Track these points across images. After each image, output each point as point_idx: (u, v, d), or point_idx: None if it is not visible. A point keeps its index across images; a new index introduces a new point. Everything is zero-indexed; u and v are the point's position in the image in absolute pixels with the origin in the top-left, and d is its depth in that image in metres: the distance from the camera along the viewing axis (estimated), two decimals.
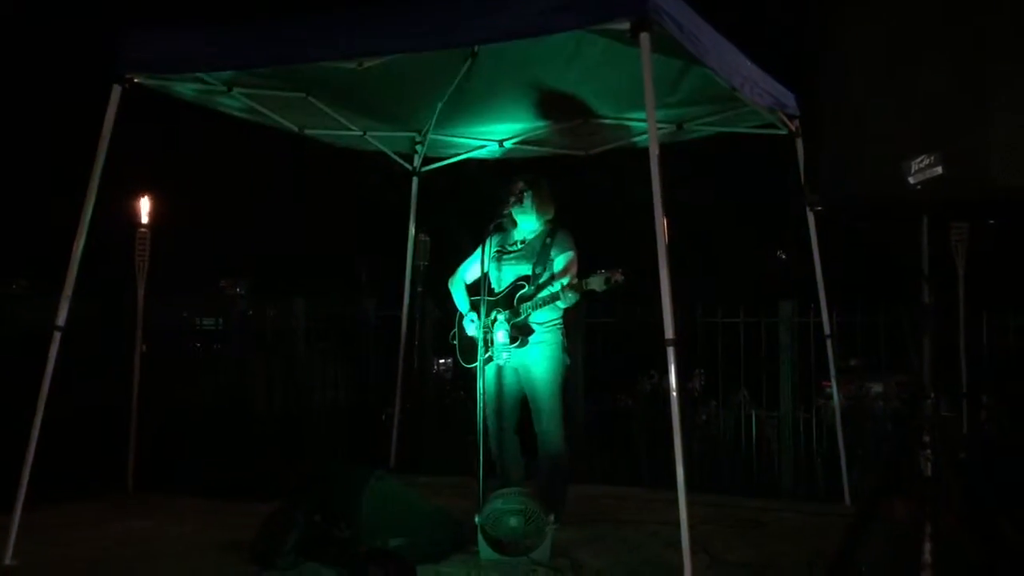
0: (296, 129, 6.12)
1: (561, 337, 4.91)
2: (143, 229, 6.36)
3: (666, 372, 3.68)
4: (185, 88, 5.09)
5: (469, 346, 4.99)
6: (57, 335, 4.44)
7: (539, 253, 4.90)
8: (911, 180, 2.43)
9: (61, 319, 4.45)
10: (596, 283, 4.54)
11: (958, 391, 5.96)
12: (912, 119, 2.48)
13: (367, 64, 4.51)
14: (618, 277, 4.50)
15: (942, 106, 2.46)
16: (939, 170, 2.41)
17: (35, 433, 4.35)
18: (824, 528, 4.96)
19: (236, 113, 5.62)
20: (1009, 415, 6.18)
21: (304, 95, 5.62)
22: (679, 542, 3.51)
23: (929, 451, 2.55)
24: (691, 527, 3.54)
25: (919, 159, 2.42)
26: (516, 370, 4.92)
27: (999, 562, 2.63)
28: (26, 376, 4.55)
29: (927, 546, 2.51)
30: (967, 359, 6.09)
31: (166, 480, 6.05)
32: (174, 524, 5.15)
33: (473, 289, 5.07)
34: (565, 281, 4.68)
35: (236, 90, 5.25)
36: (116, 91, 4.57)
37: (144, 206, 6.40)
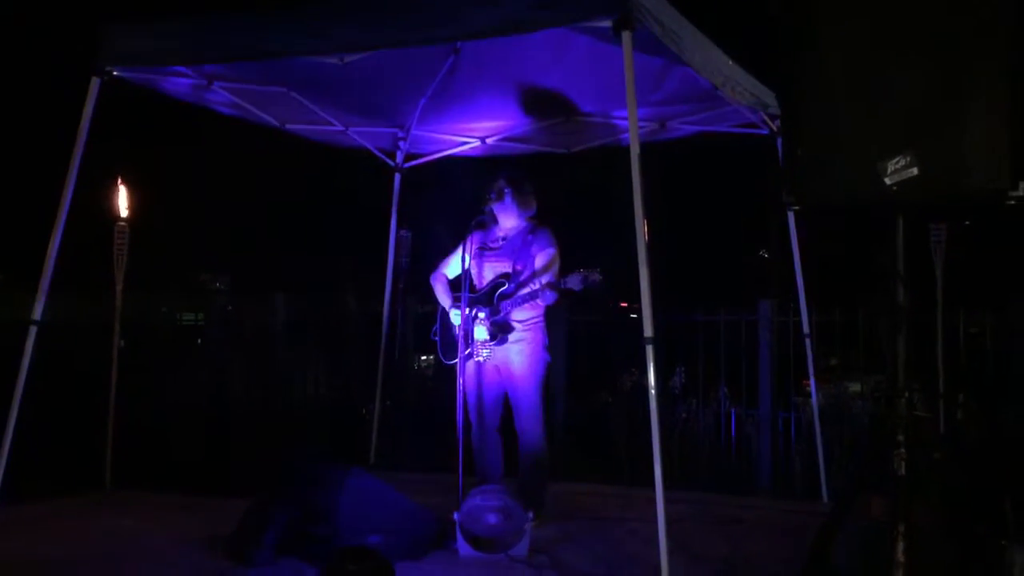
0: (278, 124, 6.09)
1: (541, 335, 4.92)
2: (122, 223, 6.30)
3: (646, 370, 3.69)
4: (165, 82, 5.06)
5: (450, 342, 5.00)
6: (33, 329, 4.40)
7: (520, 251, 4.91)
8: (887, 180, 2.45)
9: (38, 313, 4.42)
10: (573, 283, 4.57)
11: (935, 391, 6.01)
12: (888, 120, 2.50)
13: (349, 59, 4.49)
14: (595, 277, 4.52)
15: (918, 107, 2.48)
16: (915, 171, 2.43)
17: (10, 428, 4.31)
18: (802, 526, 4.98)
19: (217, 107, 5.59)
20: (985, 415, 6.23)
21: (286, 90, 5.60)
22: (657, 539, 3.52)
23: (903, 450, 2.57)
24: (670, 524, 3.55)
25: (895, 160, 2.44)
26: (497, 367, 4.92)
27: (971, 560, 2.66)
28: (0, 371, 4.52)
29: (900, 544, 2.53)
30: (944, 359, 6.13)
31: (144, 477, 6.01)
32: (152, 520, 5.12)
33: (455, 285, 5.07)
34: (544, 279, 4.70)
35: (217, 84, 5.23)
36: (95, 84, 4.53)
37: (123, 200, 6.34)
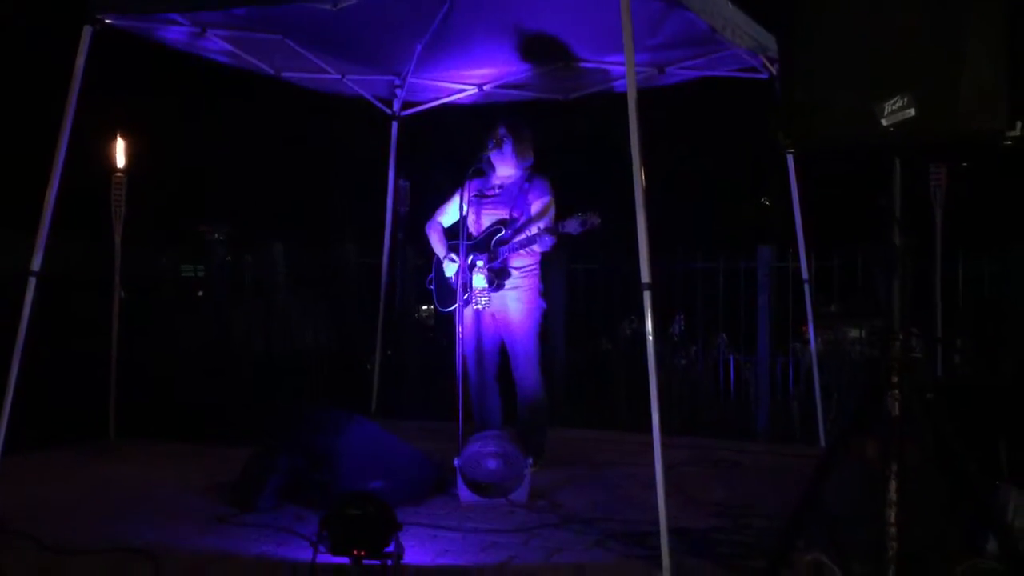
0: (273, 72, 6.03)
1: (538, 282, 4.93)
2: (119, 174, 6.28)
3: (644, 317, 3.69)
4: (159, 30, 5.00)
5: (446, 291, 5.01)
6: (32, 280, 4.40)
7: (517, 198, 4.90)
8: (884, 122, 2.44)
9: (36, 264, 4.41)
10: (572, 226, 4.57)
11: (933, 335, 6.03)
12: (885, 60, 2.48)
13: (343, 4, 4.42)
14: (594, 220, 4.52)
15: (915, 48, 2.46)
16: (911, 112, 2.41)
17: (12, 379, 4.33)
18: (799, 469, 5.02)
19: (212, 55, 5.53)
20: (982, 358, 6.26)
21: (281, 37, 5.53)
22: (656, 483, 3.56)
23: (897, 391, 2.59)
24: (668, 468, 3.58)
25: (892, 101, 2.42)
26: (493, 315, 4.94)
27: (962, 500, 2.69)
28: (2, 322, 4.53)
29: (892, 483, 2.56)
30: (942, 303, 6.15)
31: (148, 426, 6.06)
32: (155, 469, 5.18)
33: (451, 233, 5.06)
34: (542, 225, 4.69)
35: (211, 32, 5.16)
36: (87, 32, 4.47)
37: (120, 150, 6.30)
